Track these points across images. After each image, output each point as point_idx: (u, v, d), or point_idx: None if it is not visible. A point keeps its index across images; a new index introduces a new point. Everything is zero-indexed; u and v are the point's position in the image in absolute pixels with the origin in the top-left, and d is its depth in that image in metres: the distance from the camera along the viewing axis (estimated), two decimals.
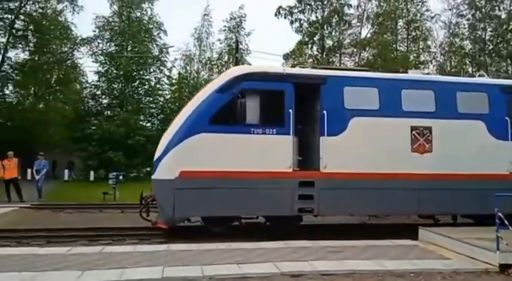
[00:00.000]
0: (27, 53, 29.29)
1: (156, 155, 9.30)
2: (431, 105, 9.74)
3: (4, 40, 27.89)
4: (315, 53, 33.77)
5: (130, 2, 30.74)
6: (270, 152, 8.91)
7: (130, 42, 30.47)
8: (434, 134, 9.62)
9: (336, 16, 32.82)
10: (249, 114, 9.05)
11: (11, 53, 28.77)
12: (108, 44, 30.66)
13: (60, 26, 28.65)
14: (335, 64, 31.44)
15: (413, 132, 9.56)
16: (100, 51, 30.11)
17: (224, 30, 34.08)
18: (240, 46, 31.69)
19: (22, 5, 27.98)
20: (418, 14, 33.77)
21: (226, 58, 33.61)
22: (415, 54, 33.82)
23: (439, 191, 9.44)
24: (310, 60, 32.47)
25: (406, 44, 34.21)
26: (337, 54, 33.61)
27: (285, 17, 32.74)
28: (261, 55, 64.32)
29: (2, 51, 27.86)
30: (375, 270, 6.32)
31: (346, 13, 32.97)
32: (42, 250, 7.09)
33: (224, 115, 8.94)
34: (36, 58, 28.41)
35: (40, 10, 28.80)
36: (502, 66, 31.87)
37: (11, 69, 28.68)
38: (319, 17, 32.97)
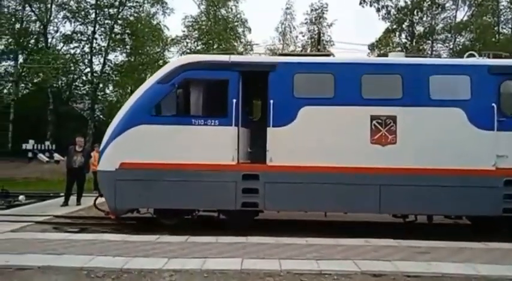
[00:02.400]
0: (124, 55, 31.97)
1: (101, 146, 9.29)
2: (397, 92, 8.60)
3: (105, 44, 30.72)
4: (404, 40, 31.96)
5: (217, 0, 31.85)
6: (212, 144, 8.53)
7: (216, 40, 31.59)
8: (399, 124, 8.50)
9: (427, 0, 30.63)
10: (191, 104, 8.79)
11: (110, 56, 31.63)
12: (195, 43, 32.21)
13: (153, 28, 30.71)
14: (426, 52, 29.45)
15: (374, 122, 8.53)
16: (188, 50, 31.70)
17: (306, 22, 33.80)
18: (322, 38, 31.15)
19: (120, 10, 30.53)
20: None
21: (309, 50, 33.30)
22: None
23: (405, 188, 8.41)
24: (399, 48, 30.78)
25: (510, 26, 30.75)
26: (429, 41, 31.39)
27: (370, 5, 31.47)
28: (344, 46, 62.46)
29: (103, 54, 30.76)
30: (467, 274, 5.80)
31: None
32: (133, 237, 7.67)
33: (165, 106, 8.72)
34: (132, 59, 30.88)
35: (135, 15, 31.16)
36: None
37: (111, 71, 31.53)
38: (409, 2, 31.05)
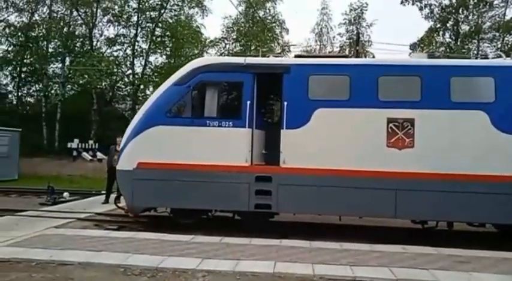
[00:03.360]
0: (164, 57, 32.73)
1: (120, 147, 9.50)
2: (416, 94, 8.35)
3: (146, 46, 31.61)
4: (448, 40, 30.78)
5: (255, 1, 31.98)
6: (226, 146, 8.62)
7: (254, 41, 31.73)
8: (417, 127, 8.25)
9: None
10: (205, 106, 8.89)
11: (151, 58, 32.47)
12: (234, 44, 32.51)
13: (192, 31, 31.27)
14: (472, 52, 28.22)
15: (390, 124, 8.32)
16: (227, 52, 32.03)
17: (344, 23, 33.28)
18: (362, 38, 30.55)
19: (161, 13, 31.31)
20: None
21: (347, 51, 32.78)
22: None
23: (422, 193, 8.18)
24: (442, 48, 29.66)
25: None
26: (475, 41, 30.06)
27: (413, 4, 30.54)
28: (384, 46, 60.96)
29: (144, 57, 31.66)
30: None
31: None
32: (169, 236, 7.83)
33: (181, 108, 8.96)
34: (172, 61, 31.55)
35: (175, 17, 31.84)
36: None
37: (151, 72, 32.38)
38: (454, 0, 29.88)
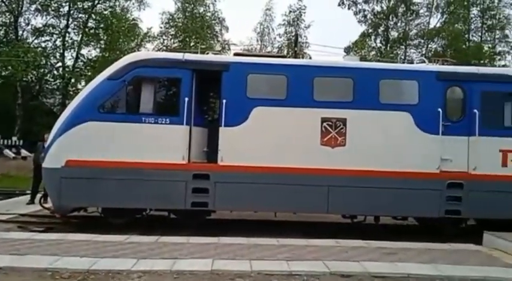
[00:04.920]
0: (98, 50, 31.27)
1: (47, 143, 9.16)
2: (348, 95, 8.83)
3: (78, 38, 29.99)
4: (379, 45, 32.59)
5: None
6: (162, 143, 8.48)
7: (193, 38, 31.33)
8: (349, 127, 8.72)
9: (402, 5, 31.38)
10: (141, 102, 8.71)
11: (83, 51, 30.86)
12: (172, 40, 31.83)
13: (128, 23, 30.17)
14: (399, 57, 30.11)
15: (324, 124, 8.73)
16: (165, 48, 31.32)
17: (283, 24, 33.95)
18: (300, 39, 31.38)
19: (95, 4, 29.85)
20: (495, 1, 31.22)
21: (285, 52, 33.48)
22: (490, 45, 31.38)
23: (353, 189, 8.63)
24: (373, 52, 31.37)
25: (480, 34, 31.83)
26: (402, 46, 32.12)
27: (348, 8, 31.97)
28: (321, 48, 63.13)
29: (76, 49, 30.03)
30: (432, 275, 5.97)
31: (413, 2, 31.39)
32: (102, 237, 7.50)
33: (114, 103, 8.70)
34: (106, 55, 30.21)
35: (110, 9, 30.51)
36: None
37: (84, 66, 30.78)
38: (385, 8, 31.71)
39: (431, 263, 6.46)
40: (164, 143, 8.52)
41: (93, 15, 30.11)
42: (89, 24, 30.37)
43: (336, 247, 7.35)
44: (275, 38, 34.86)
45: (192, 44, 30.82)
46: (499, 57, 30.87)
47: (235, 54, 10.12)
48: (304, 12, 33.53)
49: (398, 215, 9.48)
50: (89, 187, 8.43)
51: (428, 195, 8.71)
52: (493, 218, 8.92)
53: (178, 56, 9.10)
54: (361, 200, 8.71)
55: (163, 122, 8.59)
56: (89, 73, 29.00)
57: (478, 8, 31.40)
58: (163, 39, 32.13)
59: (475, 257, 7.05)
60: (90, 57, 31.12)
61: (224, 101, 8.67)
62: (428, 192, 8.71)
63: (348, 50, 31.64)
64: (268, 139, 8.72)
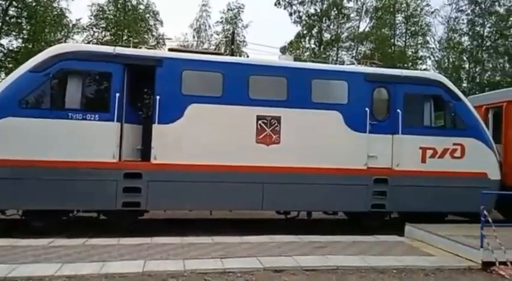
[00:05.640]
0: (20, 40, 28.94)
1: None
2: (282, 94, 9.03)
3: None
4: (313, 46, 33.61)
5: None
6: (91, 140, 8.10)
7: (125, 31, 30.13)
8: (283, 125, 8.93)
9: (334, 9, 32.61)
10: (68, 97, 8.27)
11: (3, 41, 28.41)
12: (103, 33, 30.34)
13: (54, 13, 28.29)
14: (332, 58, 31.29)
15: (260, 121, 8.86)
16: (95, 40, 29.80)
17: (221, 21, 33.80)
18: (238, 38, 31.45)
19: None
20: (418, 9, 33.56)
21: (223, 50, 33.38)
22: (413, 50, 33.67)
23: (287, 186, 8.85)
24: (308, 53, 32.30)
25: (404, 39, 34.01)
26: (335, 48, 33.42)
27: (284, 8, 32.57)
28: (258, 47, 63.82)
29: None
30: (358, 266, 6.31)
31: (345, 6, 32.78)
32: (23, 241, 6.99)
33: (38, 98, 8.13)
34: (30, 46, 28.10)
35: None
36: (499, 62, 31.80)
37: (4, 57, 28.37)
38: (318, 10, 32.75)
39: (359, 255, 6.83)
40: (93, 141, 8.10)
41: (14, 3, 27.82)
42: (10, 13, 28.01)
43: (269, 243, 7.49)
44: (212, 35, 34.61)
45: (124, 37, 29.67)
46: (420, 61, 33.16)
47: (170, 50, 9.88)
48: (242, 11, 33.69)
49: (330, 210, 9.85)
50: (7, 188, 7.78)
51: (357, 190, 9.16)
52: (414, 211, 9.59)
53: (108, 49, 8.71)
54: (295, 196, 8.92)
55: (92, 118, 8.16)
56: (10, 65, 26.80)
57: (403, 15, 33.49)
58: (94, 32, 30.51)
59: (397, 247, 7.55)
60: (11, 48, 28.74)
61: (158, 97, 8.45)
62: (357, 187, 9.16)
63: (283, 50, 32.29)
64: (203, 137, 8.64)
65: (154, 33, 31.79)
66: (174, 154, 8.48)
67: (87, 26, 30.05)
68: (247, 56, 28.90)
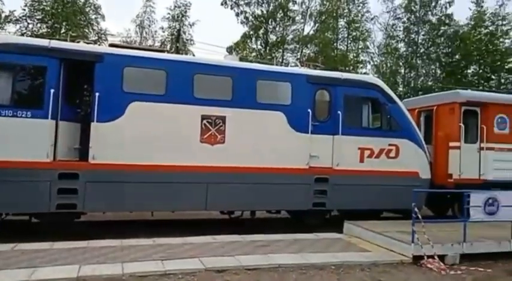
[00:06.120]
0: None
1: None
2: (228, 94, 9.04)
3: None
4: (259, 47, 33.92)
5: None
6: (22, 139, 7.64)
7: (64, 24, 28.60)
8: (228, 125, 8.93)
9: (280, 11, 33.13)
10: None
11: None
12: (39, 25, 28.59)
13: None
14: (277, 60, 31.77)
15: (204, 121, 8.80)
16: (30, 33, 27.98)
17: (168, 18, 33.13)
18: (184, 36, 31.00)
19: None
20: (359, 15, 34.99)
21: (168, 47, 32.72)
22: (354, 54, 35.04)
23: (231, 186, 8.85)
24: (254, 54, 32.55)
25: (346, 44, 35.31)
26: (280, 50, 33.96)
27: (231, 8, 32.56)
28: (204, 46, 63.40)
29: None
30: (299, 263, 6.46)
31: (290, 9, 33.40)
32: None
33: None
34: None
35: None
36: (431, 68, 34.01)
37: None
38: (265, 11, 33.12)
39: (300, 253, 6.99)
40: (24, 139, 7.61)
41: None
42: None
43: (213, 243, 7.46)
44: (156, 32, 33.81)
45: (63, 31, 28.16)
46: (361, 65, 34.64)
47: (111, 45, 9.51)
48: (189, 9, 33.24)
49: (273, 209, 9.97)
50: None
51: (299, 189, 9.37)
52: (353, 209, 9.99)
53: (43, 42, 8.22)
54: (239, 196, 8.94)
55: (23, 115, 7.66)
56: None
57: (345, 20, 34.82)
58: (28, 23, 28.65)
59: (336, 244, 7.82)
60: None
61: (97, 94, 8.10)
62: (299, 186, 9.36)
63: (230, 50, 32.28)
64: (145, 136, 8.40)
65: (95, 28, 30.49)
66: (113, 154, 8.16)
67: (20, 17, 28.18)
68: (194, 55, 28.60)
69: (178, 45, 27.15)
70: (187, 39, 32.42)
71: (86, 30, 29.52)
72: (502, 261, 7.42)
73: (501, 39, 31.12)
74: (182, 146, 8.65)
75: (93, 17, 30.53)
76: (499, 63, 30.38)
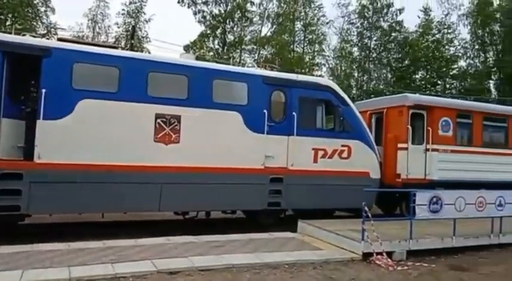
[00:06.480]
0: None
1: None
2: (183, 92, 8.91)
3: None
4: (216, 46, 33.77)
5: None
6: None
7: (10, 16, 27.07)
8: (183, 124, 8.81)
9: (238, 11, 33.17)
10: None
11: None
12: None
13: None
14: (235, 60, 31.78)
15: (158, 120, 8.63)
16: None
17: (123, 13, 32.18)
18: (140, 33, 30.26)
19: None
20: (315, 18, 35.74)
21: (123, 44, 31.80)
22: (310, 57, 35.74)
23: (186, 186, 8.77)
24: (211, 53, 32.35)
25: (302, 46, 35.95)
26: (238, 50, 34.00)
27: (188, 7, 32.18)
28: (160, 44, 62.25)
29: None
30: (253, 263, 6.48)
31: (248, 10, 33.53)
32: None
33: None
34: None
35: None
36: (383, 73, 35.37)
37: None
38: (222, 11, 33.02)
39: (254, 253, 7.02)
40: None
41: None
42: None
43: (166, 245, 7.33)
44: (109, 27, 32.74)
45: (8, 23, 26.62)
46: (317, 67, 35.43)
47: (60, 40, 9.09)
48: (145, 5, 32.46)
49: (228, 209, 9.95)
50: None
51: (254, 189, 9.41)
52: (307, 208, 10.17)
53: None
54: (194, 196, 8.84)
55: None
56: None
57: (302, 23, 35.47)
58: None
59: (290, 243, 7.94)
60: None
61: (44, 90, 7.72)
62: (254, 186, 9.40)
63: (187, 49, 31.89)
64: (96, 134, 8.11)
65: (44, 21, 29.08)
66: (61, 153, 7.82)
67: None
68: (149, 52, 28.01)
69: (133, 42, 26.45)
70: (142, 36, 31.65)
71: (34, 23, 28.11)
72: (444, 256, 7.83)
73: (446, 47, 33.00)
74: (135, 146, 8.42)
75: (42, 9, 29.13)
76: (444, 69, 32.24)
